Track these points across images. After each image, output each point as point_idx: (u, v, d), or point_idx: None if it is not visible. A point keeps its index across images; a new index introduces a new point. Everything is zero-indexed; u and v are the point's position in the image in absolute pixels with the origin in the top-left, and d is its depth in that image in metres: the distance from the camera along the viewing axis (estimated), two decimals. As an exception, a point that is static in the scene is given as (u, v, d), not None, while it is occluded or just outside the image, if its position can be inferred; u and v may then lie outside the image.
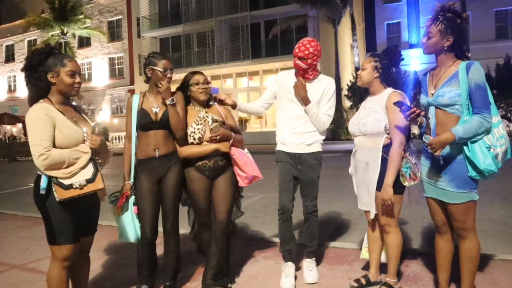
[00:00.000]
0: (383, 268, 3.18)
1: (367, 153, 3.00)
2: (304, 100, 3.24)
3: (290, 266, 3.33)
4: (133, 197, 3.02)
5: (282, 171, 3.33)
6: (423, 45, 2.66)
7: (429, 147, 2.46)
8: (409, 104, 2.80)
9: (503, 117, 19.05)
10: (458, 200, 2.54)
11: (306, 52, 3.19)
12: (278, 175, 3.36)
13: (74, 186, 2.37)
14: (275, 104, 3.49)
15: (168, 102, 2.93)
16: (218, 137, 3.02)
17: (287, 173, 3.30)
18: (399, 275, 3.15)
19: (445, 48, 2.57)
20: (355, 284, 3.14)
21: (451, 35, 2.53)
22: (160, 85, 2.94)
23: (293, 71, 3.38)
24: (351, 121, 3.21)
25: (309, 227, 3.42)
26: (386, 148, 2.91)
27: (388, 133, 2.92)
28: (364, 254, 3.37)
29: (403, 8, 25.09)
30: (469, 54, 17.19)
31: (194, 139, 3.05)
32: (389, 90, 3.01)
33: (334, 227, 5.19)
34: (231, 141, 3.11)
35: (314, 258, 3.44)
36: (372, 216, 3.04)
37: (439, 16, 2.54)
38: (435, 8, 2.61)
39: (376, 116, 2.95)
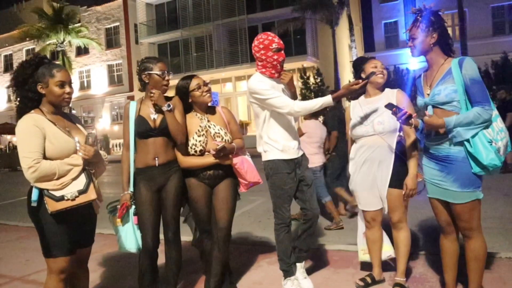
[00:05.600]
0: (387, 267, 3.15)
1: (379, 152, 3.02)
2: (295, 94, 3.19)
3: (298, 278, 3.17)
4: (133, 207, 2.95)
5: (286, 183, 3.09)
6: (411, 49, 2.70)
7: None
8: (407, 102, 2.92)
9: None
10: (463, 200, 2.50)
11: (281, 42, 3.10)
12: (276, 187, 3.11)
13: (66, 198, 2.30)
14: (263, 112, 3.12)
15: (164, 109, 2.86)
16: (221, 153, 2.95)
17: (290, 184, 3.10)
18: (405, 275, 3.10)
19: (432, 45, 2.61)
20: (361, 283, 3.12)
21: (434, 32, 2.58)
22: (152, 94, 2.87)
23: (256, 76, 3.12)
24: (354, 123, 3.15)
25: (313, 232, 3.26)
26: (398, 145, 2.99)
27: (400, 130, 2.99)
28: (362, 257, 3.37)
29: (400, 7, 25.03)
30: (467, 51, 17.10)
31: (196, 151, 2.97)
32: (390, 89, 3.11)
33: (337, 230, 5.13)
34: (234, 153, 3.04)
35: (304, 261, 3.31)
36: (385, 211, 3.06)
37: (417, 17, 2.63)
38: (410, 11, 2.72)
39: (389, 113, 2.93)
